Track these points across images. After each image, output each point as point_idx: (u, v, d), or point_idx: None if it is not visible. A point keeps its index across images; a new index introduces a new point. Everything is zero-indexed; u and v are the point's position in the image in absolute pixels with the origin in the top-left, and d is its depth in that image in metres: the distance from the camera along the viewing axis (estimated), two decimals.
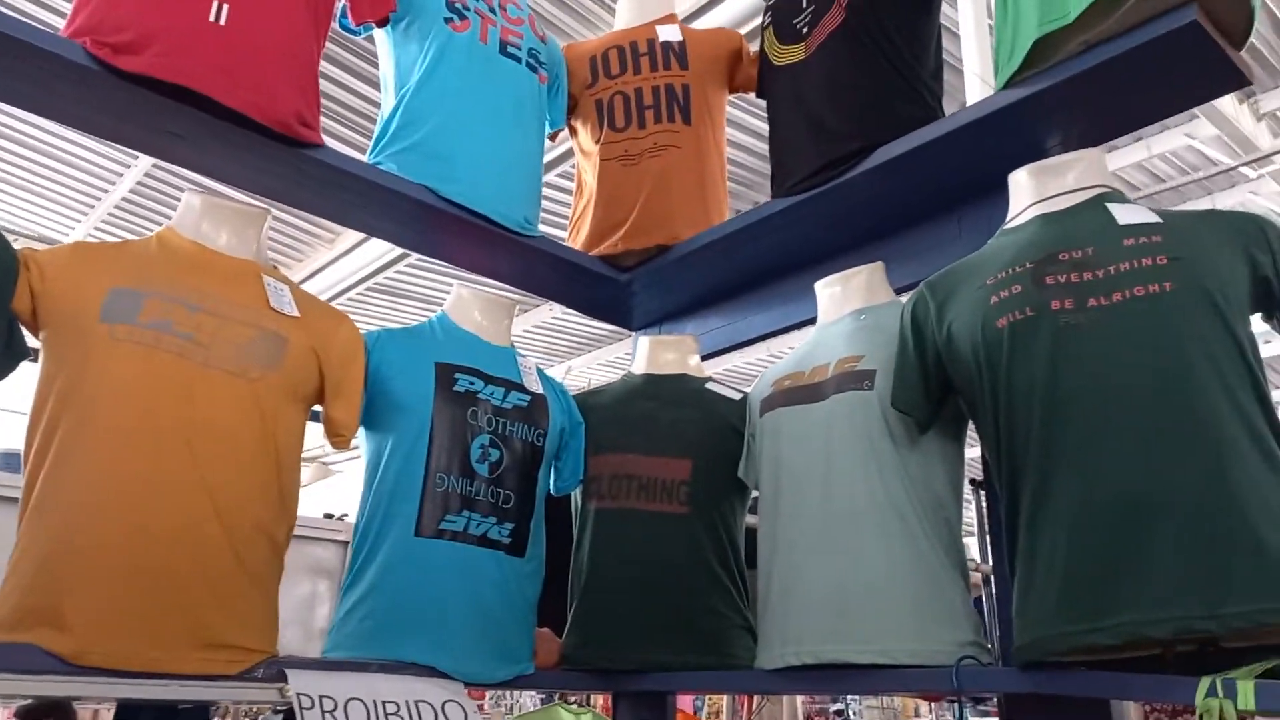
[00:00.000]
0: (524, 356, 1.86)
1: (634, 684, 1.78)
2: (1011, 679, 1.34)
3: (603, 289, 2.18)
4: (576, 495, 1.97)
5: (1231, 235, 1.32)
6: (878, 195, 1.82)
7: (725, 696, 3.80)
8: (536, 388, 1.84)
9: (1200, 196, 7.95)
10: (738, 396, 1.96)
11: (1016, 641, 1.31)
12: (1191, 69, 1.45)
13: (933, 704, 4.95)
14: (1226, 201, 7.98)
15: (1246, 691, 1.12)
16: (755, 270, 2.09)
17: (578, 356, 10.54)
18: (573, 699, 3.07)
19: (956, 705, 4.31)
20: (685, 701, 6.57)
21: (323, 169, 1.73)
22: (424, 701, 1.51)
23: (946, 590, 1.48)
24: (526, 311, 9.50)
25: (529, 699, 5.78)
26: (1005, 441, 1.36)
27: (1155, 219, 1.36)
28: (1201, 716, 1.14)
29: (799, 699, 6.10)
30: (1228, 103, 6.40)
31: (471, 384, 1.72)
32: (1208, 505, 1.16)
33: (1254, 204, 8.05)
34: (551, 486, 1.91)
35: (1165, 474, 1.19)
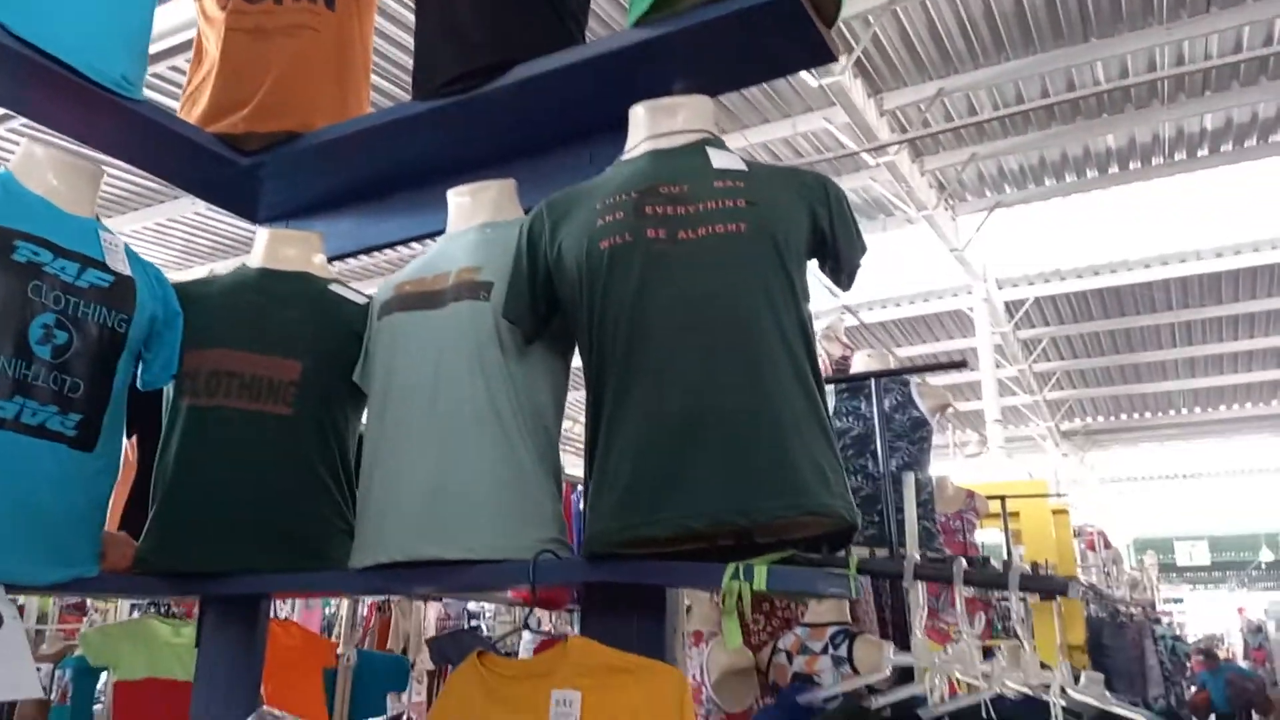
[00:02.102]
0: (109, 231, 1.66)
1: (216, 588, 1.70)
2: (579, 569, 1.46)
3: (220, 171, 2.00)
4: (169, 391, 1.82)
5: (801, 190, 1.52)
6: (515, 114, 1.84)
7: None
8: (123, 268, 1.66)
9: (830, 175, 8.98)
10: (363, 300, 1.91)
11: (585, 535, 1.43)
12: (788, 38, 1.62)
13: (552, 614, 5.23)
14: (850, 183, 9.10)
15: (760, 575, 1.32)
16: (391, 174, 2.04)
17: (223, 259, 9.68)
18: (175, 610, 2.86)
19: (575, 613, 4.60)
20: (315, 617, 6.39)
21: None
22: None
23: (536, 493, 1.57)
24: (164, 202, 8.53)
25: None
26: (595, 356, 1.47)
27: (743, 167, 1.52)
28: (725, 597, 1.33)
29: (432, 612, 6.18)
30: (859, 96, 7.24)
31: (36, 254, 1.51)
32: (746, 419, 1.34)
33: (872, 189, 9.27)
34: (138, 380, 1.75)
35: (715, 392, 1.35)
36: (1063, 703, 1.21)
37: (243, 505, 1.71)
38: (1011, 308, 12.24)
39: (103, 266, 1.62)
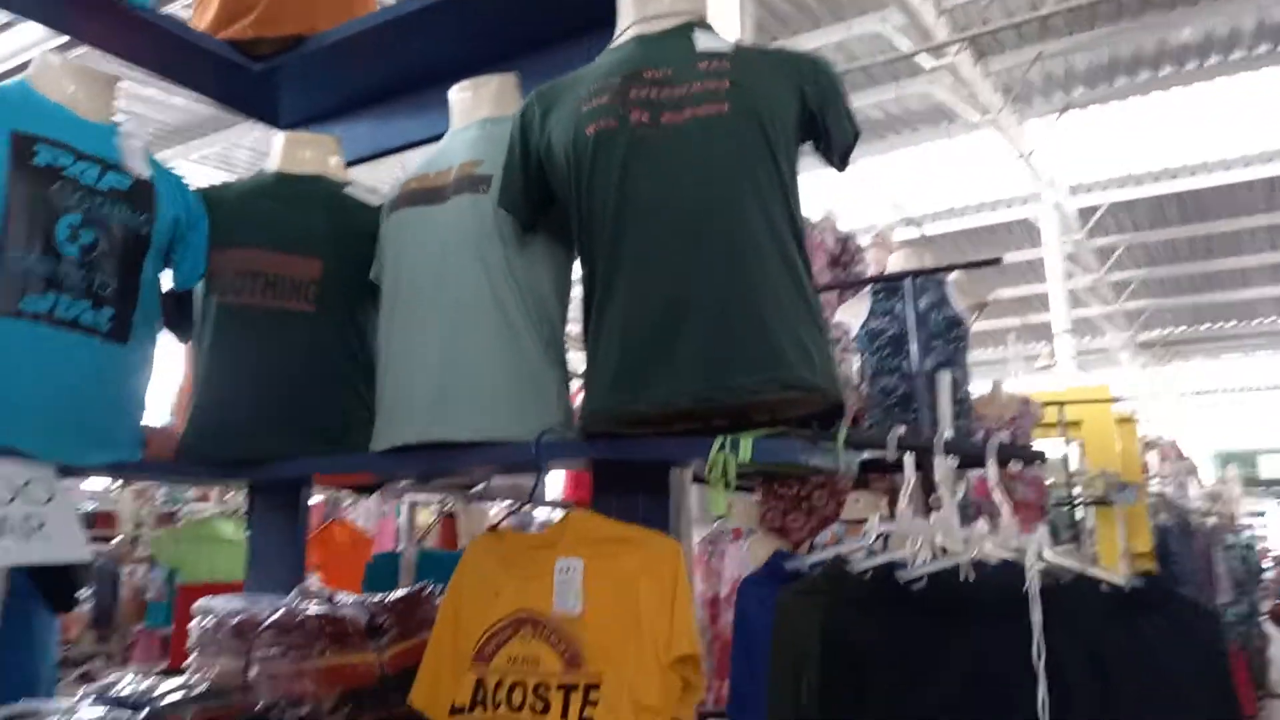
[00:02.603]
0: (131, 136, 1.74)
1: (251, 474, 1.81)
2: (579, 449, 1.52)
3: (235, 78, 2.06)
4: (200, 290, 1.91)
5: (788, 70, 1.50)
6: (518, 9, 1.85)
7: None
8: (142, 171, 1.73)
9: (887, 81, 8.69)
10: (377, 203, 1.96)
11: (581, 415, 1.48)
12: None
13: None
14: (910, 89, 8.78)
15: (746, 446, 1.36)
16: (403, 77, 2.07)
17: None
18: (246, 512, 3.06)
19: None
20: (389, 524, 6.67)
21: None
22: (3, 479, 1.46)
23: (541, 380, 1.63)
24: (227, 129, 8.71)
25: None
26: (585, 243, 1.50)
27: (729, 49, 1.51)
28: (710, 469, 1.37)
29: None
30: None
31: (56, 158, 1.59)
32: (729, 301, 1.37)
33: (933, 95, 8.92)
34: (172, 280, 1.85)
35: (700, 275, 1.38)
36: (1040, 565, 1.23)
37: (272, 397, 1.80)
38: (1085, 215, 11.79)
39: (121, 169, 1.69)
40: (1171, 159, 10.59)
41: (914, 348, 3.03)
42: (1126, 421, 7.13)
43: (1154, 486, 8.55)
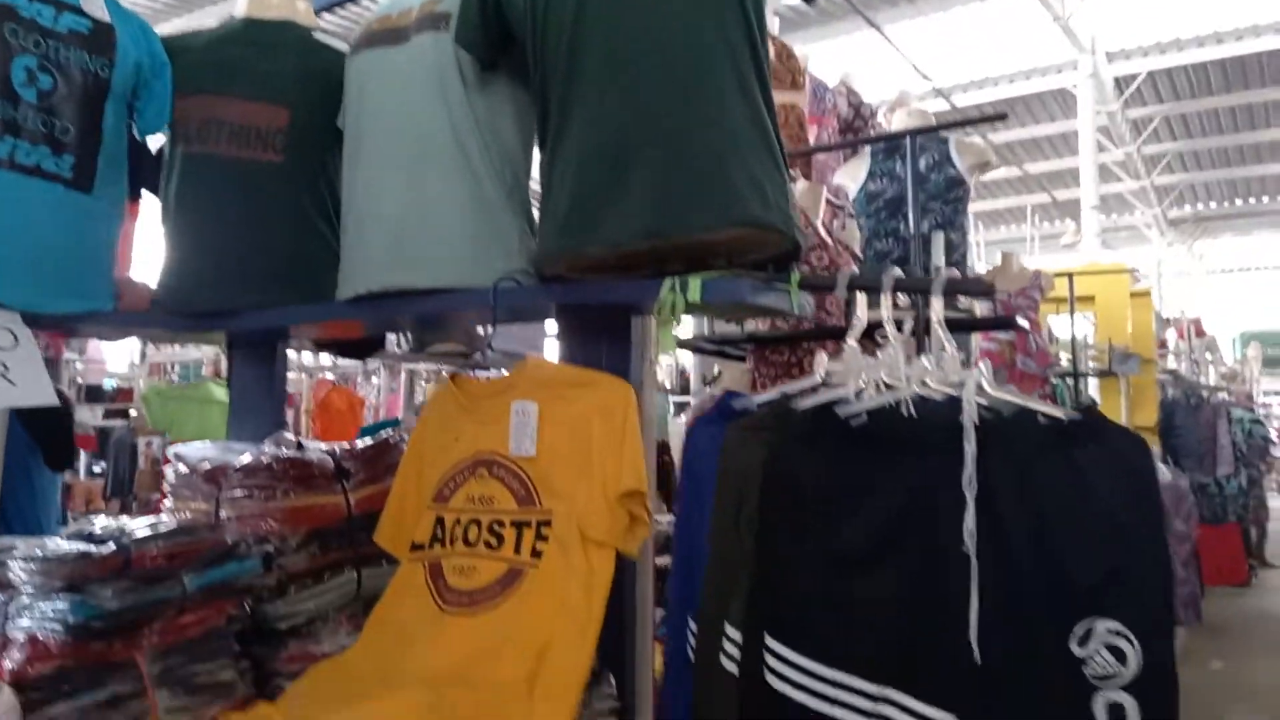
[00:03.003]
0: None
1: (224, 324, 1.83)
2: (536, 294, 1.52)
3: None
4: (166, 139, 1.89)
5: None
6: None
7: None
8: (101, 14, 1.69)
9: None
10: (345, 49, 1.91)
11: (534, 257, 1.47)
12: None
13: None
14: None
15: (695, 286, 1.35)
16: None
17: None
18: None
19: None
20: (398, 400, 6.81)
21: None
22: None
23: (502, 225, 1.61)
24: None
25: None
26: (541, 80, 1.46)
27: None
28: (660, 309, 1.37)
29: None
30: None
31: None
32: (683, 135, 1.33)
33: None
34: (135, 129, 1.82)
35: (653, 107, 1.34)
36: (981, 400, 1.23)
37: (240, 248, 1.80)
38: (1122, 84, 11.32)
39: (78, 11, 1.65)
40: (1217, 22, 10.07)
41: (911, 209, 2.96)
42: (1142, 296, 7.03)
43: (1170, 363, 8.50)
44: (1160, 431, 6.66)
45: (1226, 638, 5.79)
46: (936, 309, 1.27)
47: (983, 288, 1.28)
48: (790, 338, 3.30)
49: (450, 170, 1.59)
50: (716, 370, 3.48)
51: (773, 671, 1.24)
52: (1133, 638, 1.14)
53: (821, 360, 1.40)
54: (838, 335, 3.53)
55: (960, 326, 2.96)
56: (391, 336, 3.69)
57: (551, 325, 3.93)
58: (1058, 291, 5.51)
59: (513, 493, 1.50)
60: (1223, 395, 7.84)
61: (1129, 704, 1.14)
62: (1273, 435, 9.74)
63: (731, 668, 1.28)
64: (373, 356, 3.38)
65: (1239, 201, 15.58)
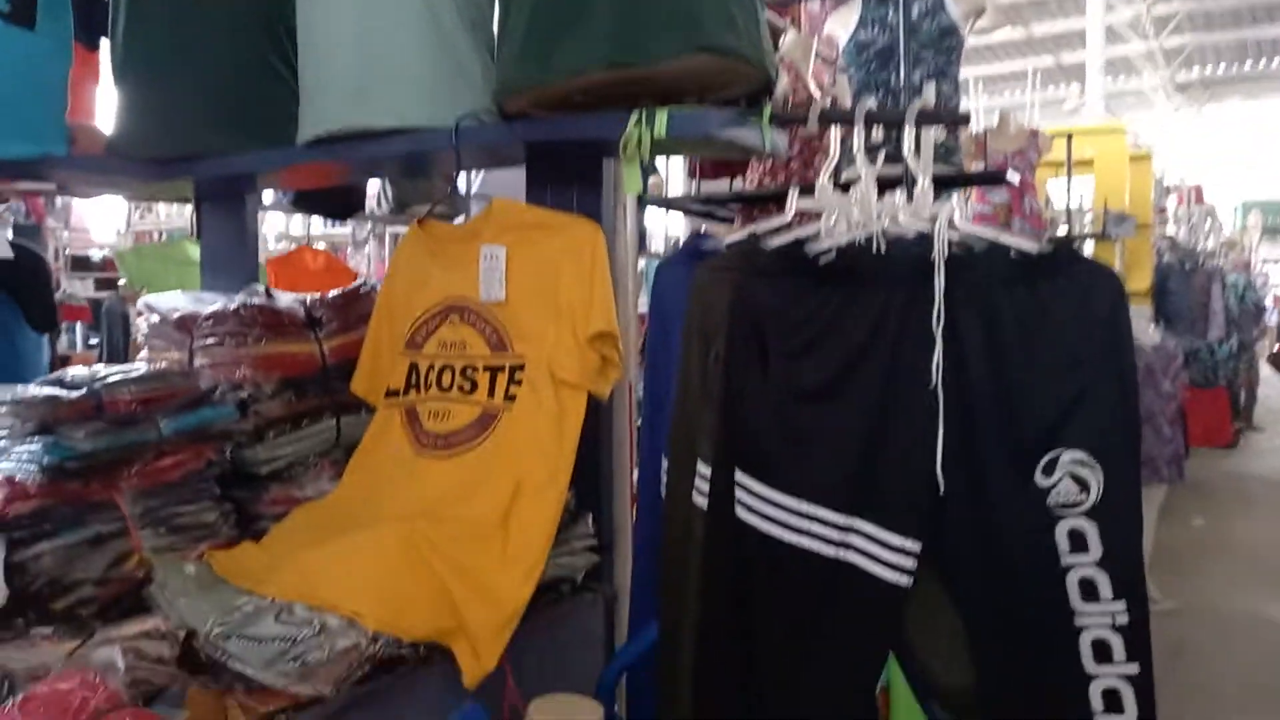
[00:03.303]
0: None
1: (182, 171, 1.78)
2: (498, 132, 1.47)
3: None
4: None
5: None
6: None
7: None
8: None
9: None
10: None
11: (495, 91, 1.42)
12: None
13: None
14: None
15: (661, 119, 1.30)
16: None
17: None
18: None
19: None
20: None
21: None
22: None
23: (465, 63, 1.54)
24: None
25: None
26: None
27: None
28: (625, 143, 1.32)
29: None
30: None
31: None
32: None
33: None
34: None
35: None
36: (953, 235, 1.21)
37: (196, 91, 1.73)
38: None
39: None
40: None
41: (903, 59, 2.86)
42: (1141, 160, 6.90)
43: (1169, 229, 8.42)
44: (1154, 295, 6.66)
45: (1209, 496, 5.95)
46: (909, 138, 1.23)
47: (957, 117, 1.24)
48: (777, 196, 3.24)
49: (410, 7, 1.51)
50: (703, 230, 3.44)
51: (743, 505, 1.26)
52: (1095, 464, 1.15)
53: (792, 192, 1.37)
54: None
55: (948, 182, 2.90)
56: (372, 197, 3.62)
57: None
58: (1056, 156, 5.40)
59: (485, 338, 1.49)
60: (1218, 261, 7.80)
61: (1089, 529, 1.16)
62: (1266, 301, 9.77)
63: (702, 503, 1.30)
64: (352, 218, 3.32)
65: (1249, 64, 15.11)
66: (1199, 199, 9.66)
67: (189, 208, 2.25)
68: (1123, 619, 1.16)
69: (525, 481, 1.37)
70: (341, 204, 3.18)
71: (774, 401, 1.25)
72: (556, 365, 1.39)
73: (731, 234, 1.39)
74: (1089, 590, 1.16)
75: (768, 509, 1.25)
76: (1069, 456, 1.16)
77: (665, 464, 1.44)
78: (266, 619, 1.20)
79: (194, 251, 2.82)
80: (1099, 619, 1.16)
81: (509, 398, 1.45)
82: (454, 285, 1.53)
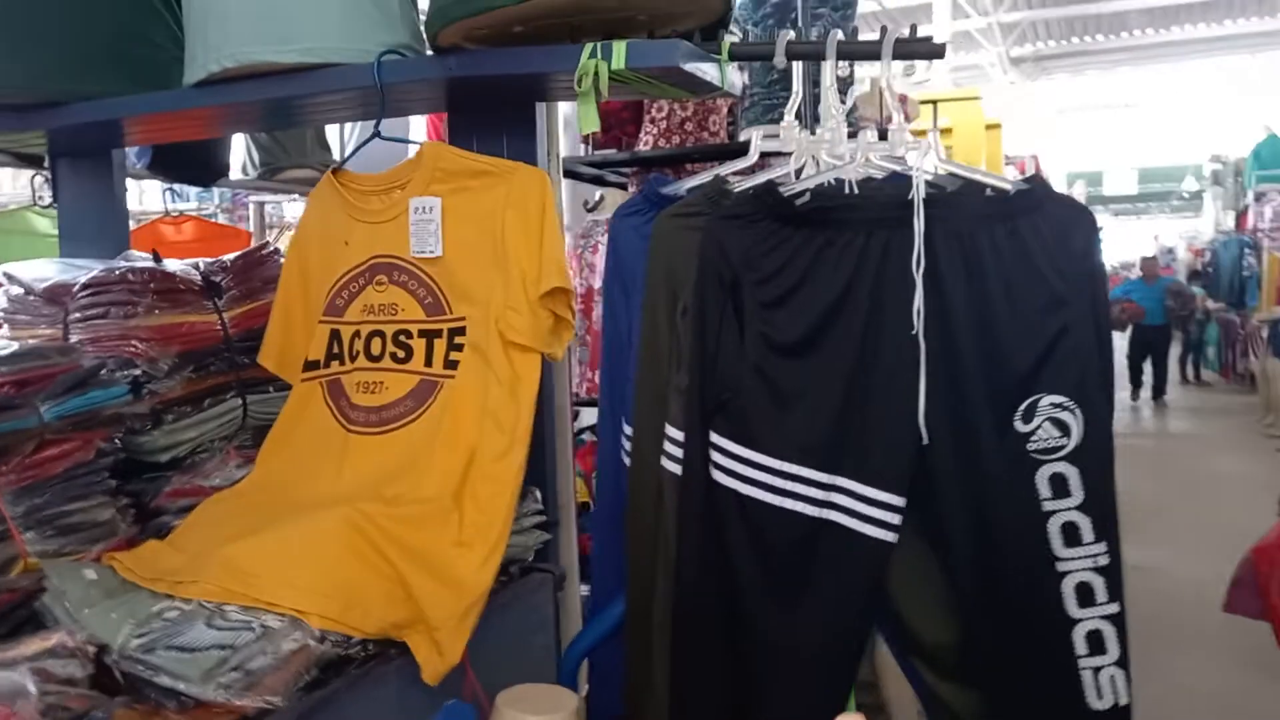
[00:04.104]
0: None
1: (44, 121, 1.54)
2: (429, 66, 1.33)
3: None
4: None
5: None
6: None
7: None
8: None
9: None
10: None
11: (428, 17, 1.27)
12: None
13: None
14: None
15: (620, 51, 1.20)
16: None
17: None
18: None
19: None
20: None
21: None
22: None
23: None
24: None
25: None
26: None
27: None
28: (580, 78, 1.21)
29: None
30: None
31: None
32: None
33: None
34: None
35: None
36: (927, 175, 1.16)
37: (63, 29, 1.50)
38: None
39: None
40: None
41: (800, 15, 2.83)
42: (993, 128, 7.22)
43: None
44: None
45: None
46: (886, 74, 1.17)
47: (933, 49, 1.19)
48: (674, 157, 3.17)
49: None
50: (599, 196, 3.33)
51: (720, 468, 1.18)
52: (1075, 408, 1.14)
53: (755, 134, 1.29)
54: (724, 155, 3.42)
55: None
56: (237, 164, 3.32)
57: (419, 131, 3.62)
58: (921, 122, 5.56)
59: (418, 300, 1.35)
60: None
61: (1070, 473, 1.14)
62: None
63: (674, 469, 1.21)
64: (216, 185, 3.03)
65: (1076, 40, 16.11)
66: (1037, 169, 10.25)
67: (27, 173, 1.98)
68: (1104, 560, 1.15)
69: (479, 454, 1.25)
70: (203, 168, 2.89)
71: (749, 356, 1.18)
72: (506, 326, 1.27)
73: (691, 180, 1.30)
74: (1071, 535, 1.15)
75: (747, 470, 1.18)
76: (1049, 400, 1.14)
77: (627, 429, 1.35)
78: (196, 625, 1.04)
79: (38, 222, 2.50)
80: (1081, 562, 1.15)
81: (450, 364, 1.32)
82: (379, 243, 1.38)
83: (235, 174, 3.19)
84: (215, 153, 2.87)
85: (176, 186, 3.36)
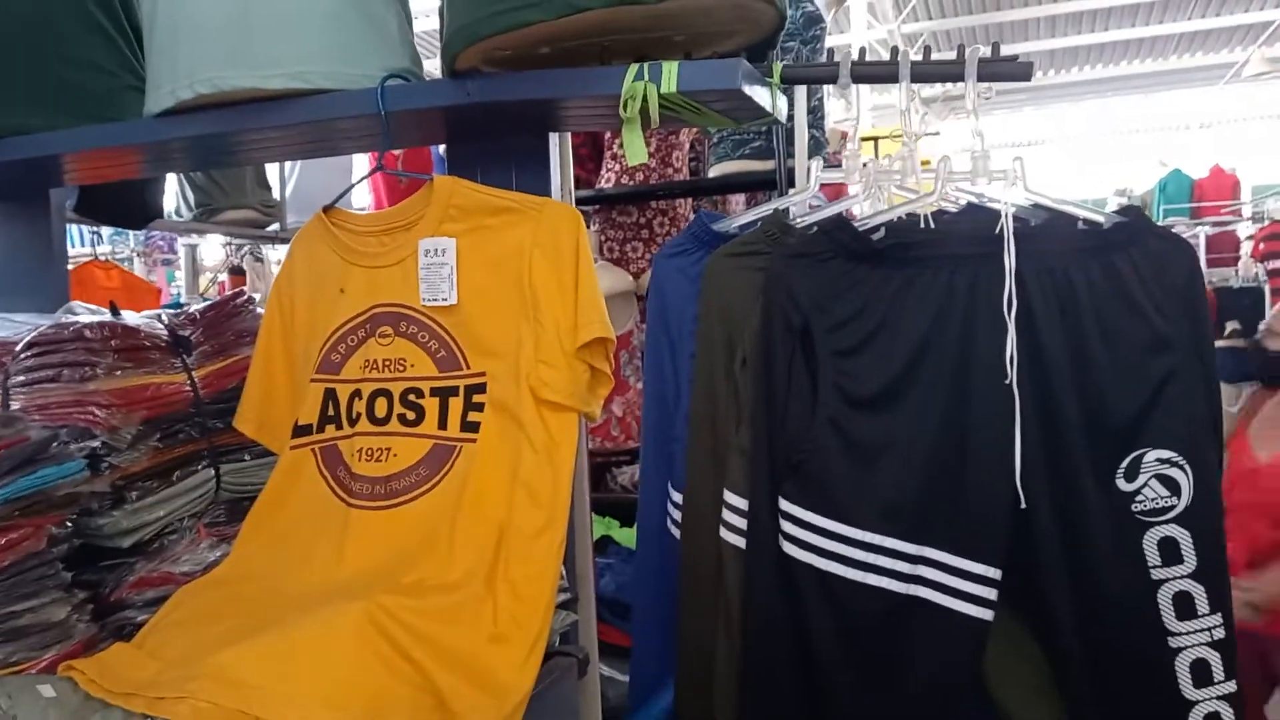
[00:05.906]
0: None
1: None
2: (443, 92, 1.17)
3: None
4: None
5: None
6: None
7: None
8: None
9: None
10: None
11: (447, 37, 1.12)
12: None
13: None
14: None
15: (670, 73, 1.06)
16: None
17: None
18: None
19: None
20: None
21: None
22: None
23: (375, 12, 1.23)
24: None
25: None
26: None
27: None
28: (626, 103, 1.07)
29: None
30: None
31: None
32: None
33: None
34: None
35: None
36: (1012, 207, 1.06)
37: (12, 58, 1.31)
38: None
39: None
40: None
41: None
42: (925, 163, 7.35)
43: None
44: None
45: None
46: (971, 95, 1.07)
47: (1018, 68, 1.09)
48: (637, 195, 3.07)
49: None
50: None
51: (790, 539, 1.04)
52: (1185, 464, 1.03)
53: (814, 164, 1.17)
54: (688, 192, 3.30)
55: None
56: (170, 205, 3.08)
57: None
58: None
59: (430, 354, 1.18)
60: None
61: (1182, 537, 1.03)
62: None
63: (736, 540, 1.07)
64: (149, 227, 2.79)
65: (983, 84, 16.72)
66: None
67: None
68: (1219, 633, 1.04)
69: (511, 531, 1.08)
70: (137, 209, 2.65)
71: (822, 411, 1.05)
72: (539, 383, 1.11)
73: (740, 214, 1.17)
74: (1185, 606, 1.04)
75: (823, 542, 1.04)
76: (1155, 456, 1.04)
77: (675, 496, 1.20)
78: None
79: None
80: (1197, 637, 1.04)
81: (467, 426, 1.15)
82: (382, 290, 1.21)
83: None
84: (150, 192, 2.63)
85: (99, 228, 3.09)
